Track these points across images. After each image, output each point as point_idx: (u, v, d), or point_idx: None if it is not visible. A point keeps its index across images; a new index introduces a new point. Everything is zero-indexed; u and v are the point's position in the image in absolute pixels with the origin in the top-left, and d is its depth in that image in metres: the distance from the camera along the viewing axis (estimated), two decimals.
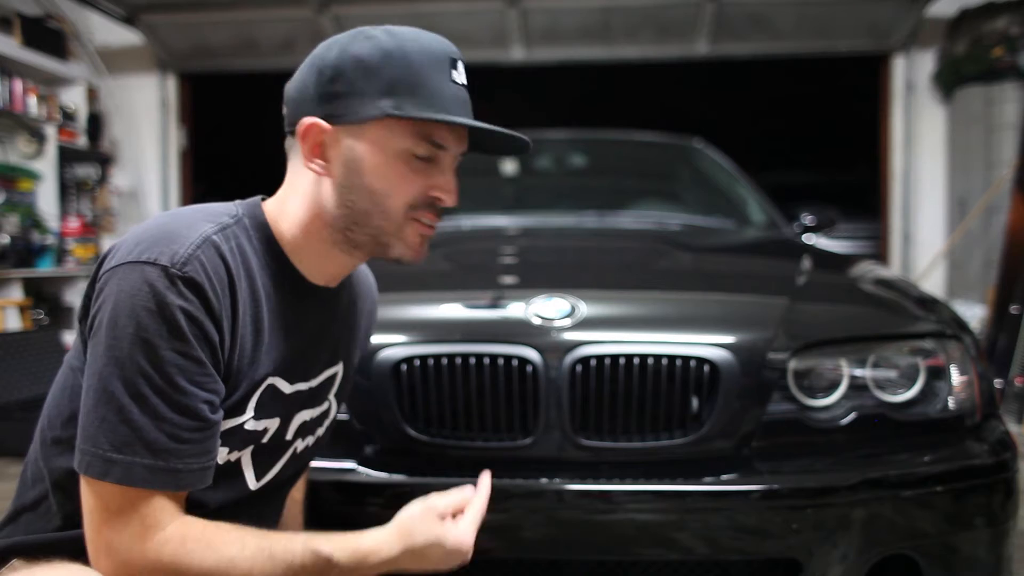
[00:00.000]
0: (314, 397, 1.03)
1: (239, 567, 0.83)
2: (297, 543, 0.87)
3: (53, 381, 0.94)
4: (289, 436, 1.00)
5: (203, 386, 0.82)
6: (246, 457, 0.94)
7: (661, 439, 1.32)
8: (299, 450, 1.04)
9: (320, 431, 1.08)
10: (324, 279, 0.98)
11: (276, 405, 0.95)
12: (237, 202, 0.95)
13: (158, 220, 0.87)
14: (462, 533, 0.98)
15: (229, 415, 0.89)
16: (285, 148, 0.96)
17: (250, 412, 0.91)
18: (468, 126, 0.90)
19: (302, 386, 0.99)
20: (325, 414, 1.07)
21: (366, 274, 1.18)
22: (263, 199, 0.97)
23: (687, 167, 2.95)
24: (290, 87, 0.93)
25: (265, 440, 0.95)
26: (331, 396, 1.08)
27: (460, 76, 0.91)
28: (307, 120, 0.88)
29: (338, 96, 0.88)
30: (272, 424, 0.95)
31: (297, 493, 1.22)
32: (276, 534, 0.88)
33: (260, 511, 1.01)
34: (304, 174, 0.92)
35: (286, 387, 0.96)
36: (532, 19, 5.14)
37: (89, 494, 0.81)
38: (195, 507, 0.86)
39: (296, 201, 0.93)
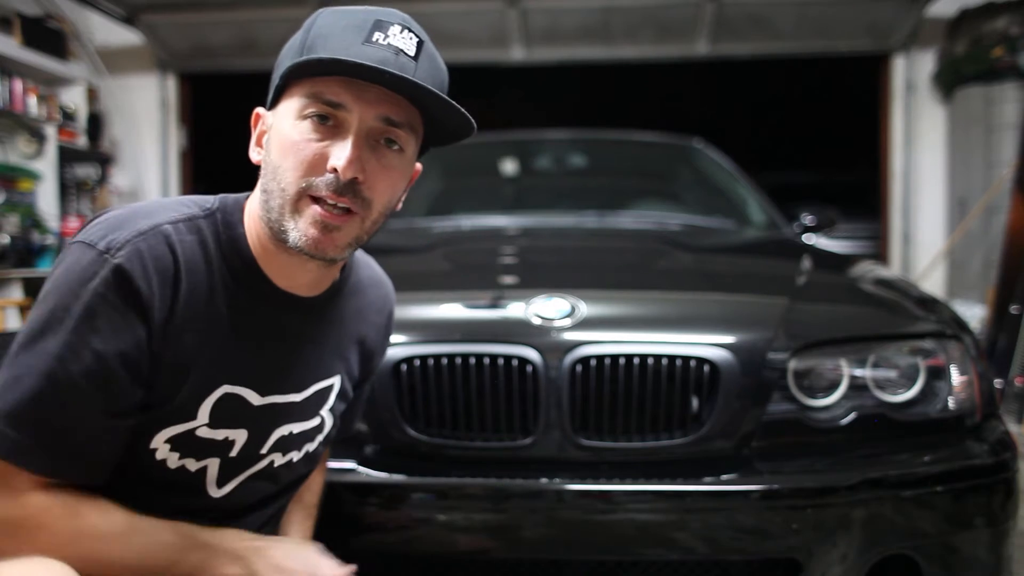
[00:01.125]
0: (302, 411, 0.98)
1: (98, 530, 0.82)
2: (167, 521, 0.85)
3: None
4: (264, 450, 0.96)
5: (97, 379, 0.79)
6: (212, 468, 0.92)
7: (661, 439, 1.32)
8: (277, 464, 0.99)
9: (311, 446, 1.03)
10: (300, 288, 0.92)
11: (241, 416, 0.91)
12: (222, 196, 0.92)
13: (131, 206, 0.86)
14: (330, 567, 0.96)
15: (174, 419, 0.86)
16: None
17: (202, 418, 0.88)
18: (359, 70, 0.78)
19: (280, 399, 0.94)
20: (317, 429, 1.02)
21: (380, 283, 1.11)
22: (248, 196, 0.93)
23: (687, 167, 2.95)
24: None
25: (233, 453, 0.92)
26: (324, 411, 1.02)
27: (390, 38, 0.81)
28: (255, 111, 0.89)
29: (272, 83, 0.87)
30: (238, 435, 0.92)
31: (309, 496, 1.17)
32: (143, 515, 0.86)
33: (224, 523, 0.94)
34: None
35: (255, 398, 0.91)
36: (532, 19, 5.14)
37: None
38: (147, 511, 0.85)
39: (254, 200, 0.90)
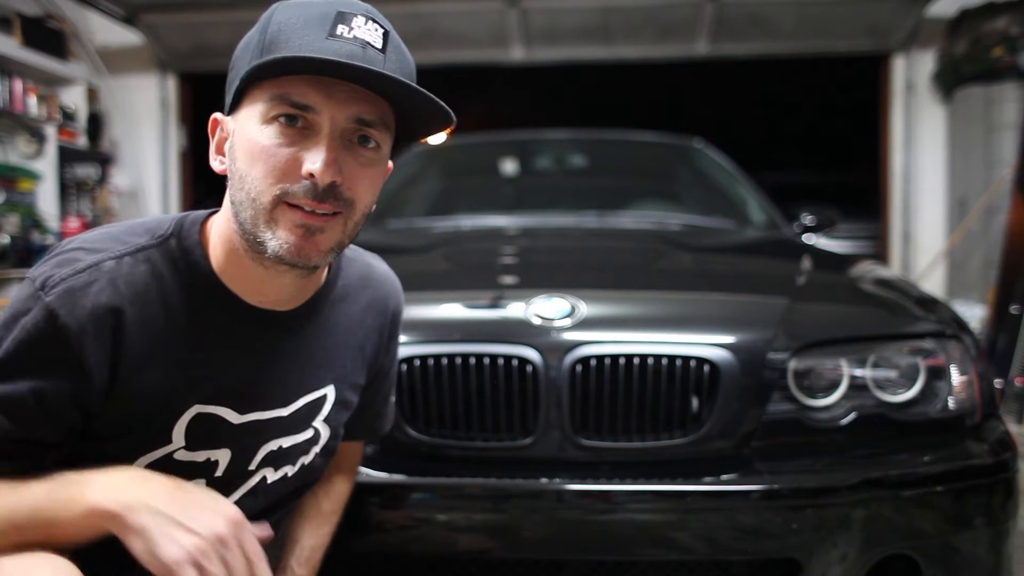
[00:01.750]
0: (291, 425, 0.96)
1: None
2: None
3: None
4: (252, 466, 0.94)
5: (11, 411, 0.77)
6: None
7: (661, 439, 1.32)
8: (271, 480, 0.97)
9: (307, 459, 1.00)
10: (276, 302, 0.88)
11: (221, 436, 0.89)
12: (179, 218, 0.88)
13: (84, 236, 0.85)
14: (238, 521, 0.76)
15: (149, 445, 0.85)
16: None
17: (178, 441, 0.86)
18: (331, 68, 0.74)
19: (264, 415, 0.92)
20: (312, 441, 0.99)
21: (376, 282, 1.06)
22: (212, 213, 0.89)
23: (687, 167, 2.95)
24: None
25: (219, 473, 0.90)
26: (318, 423, 0.99)
27: (355, 31, 0.77)
28: (212, 117, 0.84)
29: (229, 84, 0.82)
30: (220, 455, 0.90)
31: (328, 504, 1.14)
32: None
33: None
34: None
35: (233, 417, 0.89)
36: (532, 19, 5.14)
37: None
38: None
39: (221, 212, 0.85)
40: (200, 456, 0.88)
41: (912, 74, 5.11)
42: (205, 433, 0.88)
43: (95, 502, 0.73)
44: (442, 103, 0.79)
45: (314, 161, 0.76)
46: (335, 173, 0.77)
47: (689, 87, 7.35)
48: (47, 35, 4.65)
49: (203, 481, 0.90)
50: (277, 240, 0.78)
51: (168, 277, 0.83)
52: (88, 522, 0.74)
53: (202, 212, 0.90)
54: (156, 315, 0.82)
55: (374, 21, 0.79)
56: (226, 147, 0.83)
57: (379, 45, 0.78)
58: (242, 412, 0.90)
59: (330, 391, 0.99)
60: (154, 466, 0.86)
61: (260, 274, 0.85)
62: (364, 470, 1.30)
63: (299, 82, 0.76)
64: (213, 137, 0.85)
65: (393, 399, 1.19)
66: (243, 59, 0.81)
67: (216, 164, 0.85)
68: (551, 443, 1.31)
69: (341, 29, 0.76)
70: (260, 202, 0.78)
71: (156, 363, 0.83)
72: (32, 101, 4.51)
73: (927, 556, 1.29)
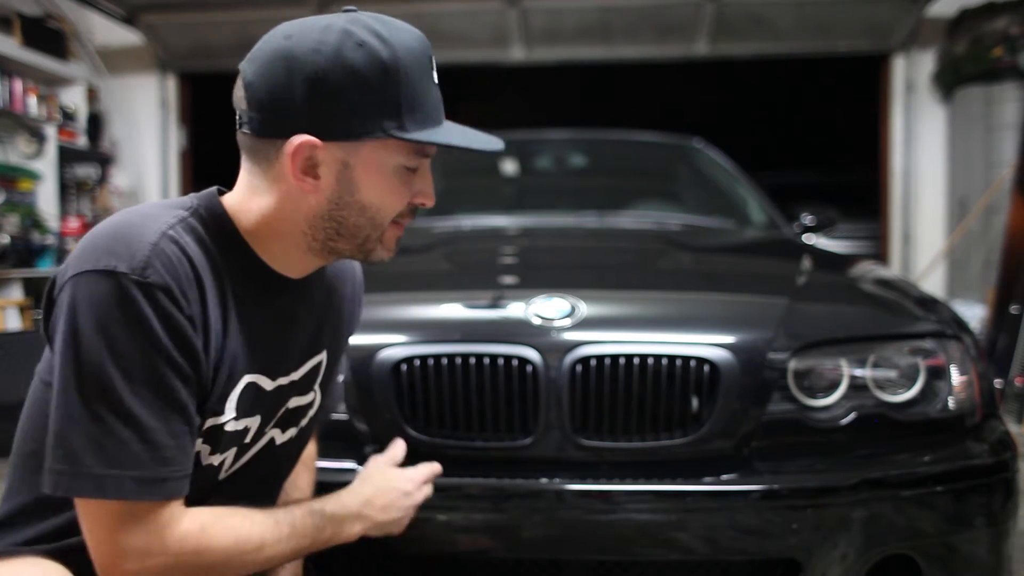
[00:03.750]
0: (301, 387, 1.01)
1: (252, 540, 0.87)
2: (293, 506, 0.96)
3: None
4: (268, 428, 0.98)
5: (179, 393, 0.80)
6: (228, 458, 0.93)
7: (661, 439, 1.32)
8: (278, 442, 1.01)
9: (304, 422, 1.05)
10: (292, 272, 0.94)
11: (258, 403, 0.93)
12: (191, 195, 0.91)
13: (112, 220, 0.83)
14: (408, 476, 1.11)
15: (208, 416, 0.87)
16: (240, 143, 0.89)
17: (230, 412, 0.89)
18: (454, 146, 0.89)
19: (284, 380, 0.97)
20: (311, 405, 1.05)
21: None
22: (219, 191, 0.92)
23: (687, 167, 2.95)
24: (260, 88, 0.83)
25: (247, 440, 0.94)
26: (316, 386, 1.05)
27: (435, 72, 0.89)
28: (298, 139, 0.82)
29: (333, 113, 0.82)
30: (253, 423, 0.94)
31: (298, 495, 1.17)
32: (274, 508, 0.94)
33: (224, 503, 0.95)
34: (280, 182, 0.85)
35: (268, 384, 0.93)
36: (532, 19, 5.14)
37: (88, 510, 0.79)
38: None
39: (264, 204, 0.87)
40: (241, 424, 0.91)
41: (912, 74, 5.11)
42: (248, 401, 0.91)
43: (357, 535, 1.03)
44: (500, 147, 0.94)
45: (428, 196, 0.92)
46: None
47: (689, 87, 7.35)
48: (47, 35, 4.65)
49: (234, 450, 0.93)
50: (383, 251, 0.93)
51: (211, 246, 0.86)
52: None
53: (211, 189, 0.92)
54: (214, 283, 0.85)
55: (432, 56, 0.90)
56: (322, 171, 0.84)
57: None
58: (273, 378, 0.94)
59: (324, 356, 1.05)
60: (206, 435, 0.88)
61: (304, 258, 0.92)
62: None
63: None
64: (295, 159, 0.83)
65: (341, 377, 1.24)
66: (366, 100, 0.82)
67: (306, 185, 0.85)
68: (551, 443, 1.31)
69: (434, 74, 0.88)
70: (382, 227, 0.90)
71: (222, 330, 0.86)
72: (32, 101, 4.51)
73: (927, 556, 1.29)
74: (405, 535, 1.10)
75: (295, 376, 0.99)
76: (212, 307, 0.84)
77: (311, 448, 1.23)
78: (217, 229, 0.87)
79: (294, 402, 1.01)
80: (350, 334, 1.15)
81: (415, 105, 0.84)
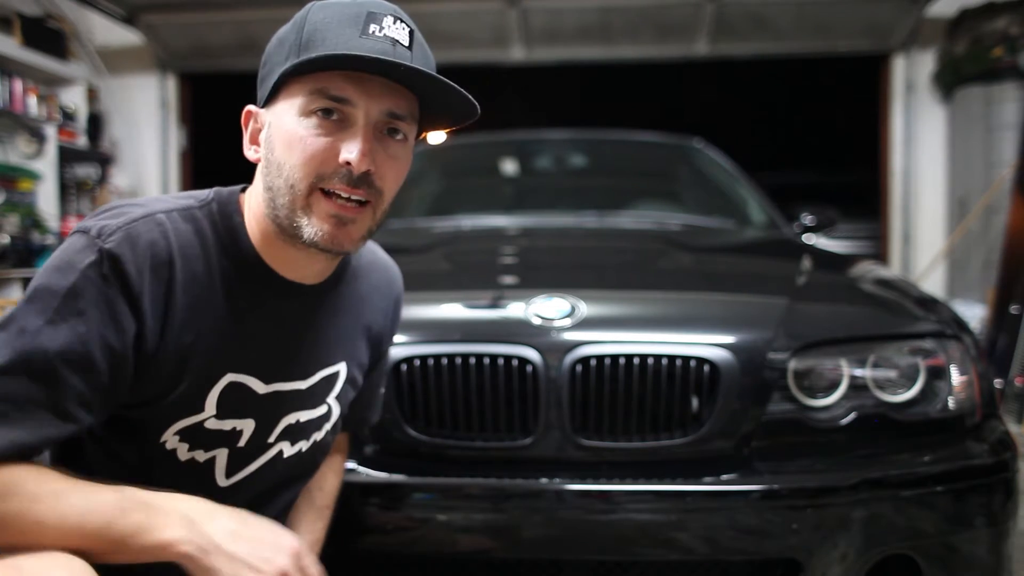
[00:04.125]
0: (309, 398, 0.99)
1: (27, 493, 0.74)
2: (105, 484, 0.78)
3: None
4: (272, 439, 0.96)
5: (73, 363, 0.76)
6: (221, 458, 0.92)
7: (661, 439, 1.32)
8: (287, 454, 0.99)
9: (319, 435, 1.03)
10: (304, 276, 0.93)
11: (247, 405, 0.91)
12: (216, 189, 0.92)
13: (129, 200, 0.87)
14: (299, 546, 0.83)
15: (184, 412, 0.86)
16: None
17: (210, 410, 0.88)
18: (362, 63, 0.79)
19: (285, 386, 0.94)
20: (325, 417, 1.02)
21: (383, 267, 1.11)
22: (244, 189, 0.93)
23: (687, 167, 2.95)
24: None
25: (242, 443, 0.92)
26: (331, 399, 1.02)
27: (384, 29, 0.82)
28: (245, 109, 0.89)
29: (263, 79, 0.87)
30: (246, 425, 0.92)
31: (322, 498, 1.15)
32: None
33: None
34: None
35: (259, 386, 0.92)
36: (532, 19, 5.14)
37: None
38: None
39: (254, 195, 0.90)
40: (227, 425, 0.91)
41: (912, 74, 5.11)
42: (234, 401, 0.90)
43: (171, 539, 0.77)
44: (467, 94, 0.84)
45: (351, 151, 0.81)
46: (369, 162, 0.82)
47: (689, 87, 7.35)
48: (47, 35, 4.65)
49: (226, 451, 0.92)
50: (312, 227, 0.83)
51: (211, 239, 0.87)
52: (157, 552, 0.77)
53: (235, 187, 0.93)
54: (200, 274, 0.85)
55: (401, 20, 0.85)
56: (261, 137, 0.87)
57: (406, 43, 0.84)
58: (267, 382, 0.93)
59: (342, 368, 1.02)
60: (185, 433, 0.88)
61: (293, 254, 0.89)
62: (364, 470, 1.30)
63: (336, 77, 0.81)
64: (246, 128, 0.90)
65: (383, 390, 1.22)
66: (279, 55, 0.85)
67: (251, 153, 0.89)
68: (551, 443, 1.31)
69: (372, 28, 0.82)
70: (298, 189, 0.83)
71: (198, 323, 0.85)
72: (32, 101, 4.51)
73: (927, 556, 1.29)
74: (404, 535, 1.10)
75: (301, 385, 0.97)
76: (183, 296, 0.83)
77: (343, 451, 1.21)
78: (224, 225, 0.89)
79: (304, 416, 0.99)
80: (384, 348, 1.13)
81: (312, 46, 0.81)
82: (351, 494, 1.27)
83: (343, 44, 0.80)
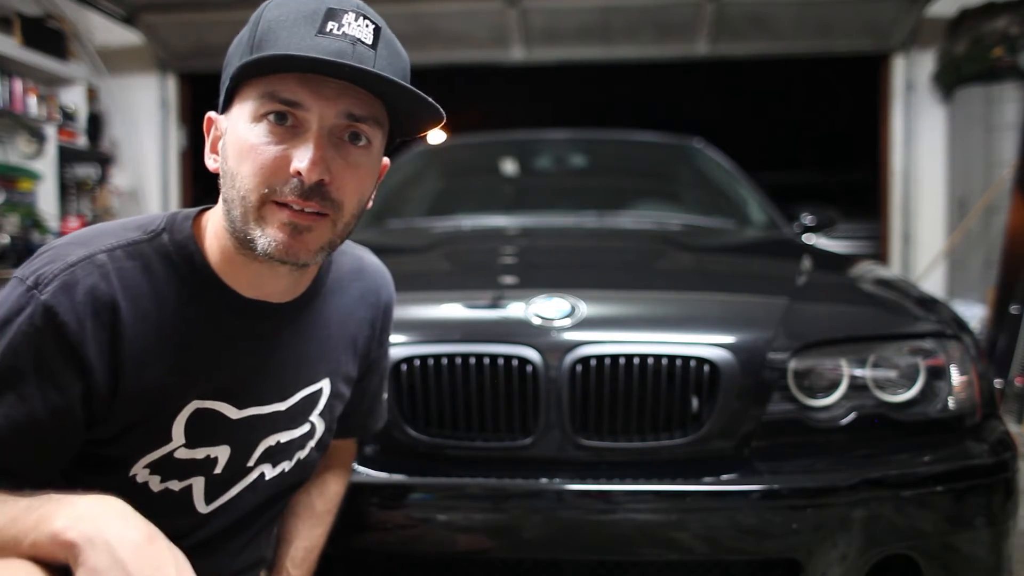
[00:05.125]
0: (289, 419, 0.95)
1: None
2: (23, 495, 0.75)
3: None
4: (251, 463, 0.93)
5: (20, 427, 0.76)
6: (198, 486, 0.90)
7: (661, 439, 1.32)
8: (269, 476, 0.96)
9: (303, 453, 0.99)
10: (271, 294, 0.88)
11: (220, 432, 0.89)
12: (169, 214, 0.87)
13: (72, 235, 0.84)
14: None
15: (150, 445, 0.84)
16: None
17: (178, 439, 0.85)
18: (315, 65, 0.73)
19: (262, 409, 0.91)
20: (308, 435, 0.99)
21: (366, 274, 1.05)
22: (204, 210, 0.89)
23: (687, 167, 2.95)
24: None
25: (218, 470, 0.90)
26: (314, 416, 0.98)
27: (344, 27, 0.76)
28: (207, 116, 0.84)
29: (222, 84, 0.82)
30: (220, 452, 0.89)
31: (322, 503, 1.13)
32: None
33: (213, 539, 0.94)
34: None
35: (232, 412, 0.88)
36: (532, 19, 5.14)
37: None
38: None
39: (217, 210, 0.85)
40: (200, 453, 0.88)
41: (912, 74, 5.11)
42: (205, 429, 0.87)
43: (59, 528, 0.69)
44: (430, 100, 0.79)
45: (302, 159, 0.76)
46: (322, 172, 0.77)
47: (689, 87, 7.35)
48: (47, 35, 4.65)
49: (203, 479, 0.90)
50: (266, 238, 0.78)
51: (161, 271, 0.83)
52: (49, 548, 0.69)
53: (194, 208, 0.89)
54: (151, 310, 0.82)
55: (365, 17, 0.79)
56: (219, 145, 0.83)
57: (369, 41, 0.78)
58: (240, 407, 0.89)
59: (325, 384, 0.99)
60: (155, 466, 0.85)
61: (256, 269, 0.85)
62: (364, 470, 1.30)
63: (288, 80, 0.76)
64: (208, 136, 0.85)
65: (385, 396, 1.19)
66: (234, 57, 0.80)
67: (210, 163, 0.85)
68: (551, 443, 1.31)
69: (331, 26, 0.76)
70: (249, 200, 0.78)
71: (154, 359, 0.82)
72: (32, 101, 4.51)
73: (927, 556, 1.29)
74: (404, 535, 1.10)
75: (280, 406, 0.93)
76: (133, 337, 0.80)
77: (348, 457, 1.20)
78: (179, 256, 0.84)
79: (285, 436, 0.95)
80: (373, 358, 1.09)
81: (264, 45, 0.76)
82: (351, 494, 1.27)
83: (295, 44, 0.75)
